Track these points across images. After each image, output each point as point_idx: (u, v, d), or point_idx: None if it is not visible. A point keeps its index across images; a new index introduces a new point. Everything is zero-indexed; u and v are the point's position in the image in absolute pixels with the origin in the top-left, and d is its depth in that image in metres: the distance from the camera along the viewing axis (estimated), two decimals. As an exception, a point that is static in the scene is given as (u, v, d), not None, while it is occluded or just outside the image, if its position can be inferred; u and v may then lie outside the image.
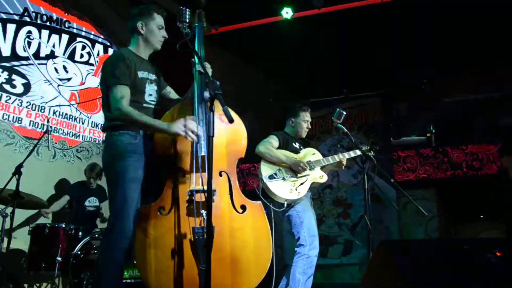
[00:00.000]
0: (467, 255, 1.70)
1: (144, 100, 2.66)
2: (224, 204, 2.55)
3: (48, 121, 5.22)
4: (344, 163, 3.91)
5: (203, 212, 2.38)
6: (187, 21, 2.43)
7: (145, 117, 2.50)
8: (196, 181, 2.46)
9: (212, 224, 2.37)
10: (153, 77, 2.74)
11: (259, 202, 2.66)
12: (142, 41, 2.74)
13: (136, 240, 2.41)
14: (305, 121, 3.96)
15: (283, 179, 3.60)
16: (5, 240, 4.02)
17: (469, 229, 6.15)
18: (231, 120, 1.98)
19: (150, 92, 2.70)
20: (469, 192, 5.89)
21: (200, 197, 2.44)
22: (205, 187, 2.31)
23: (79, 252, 4.06)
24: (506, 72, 6.27)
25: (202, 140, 2.49)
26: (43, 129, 5.13)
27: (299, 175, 3.65)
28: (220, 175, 2.58)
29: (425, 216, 3.46)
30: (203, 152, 2.48)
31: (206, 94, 2.03)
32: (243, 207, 2.57)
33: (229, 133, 2.70)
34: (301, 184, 3.64)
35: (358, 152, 3.82)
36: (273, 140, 3.76)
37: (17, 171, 3.91)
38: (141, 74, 2.65)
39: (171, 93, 2.93)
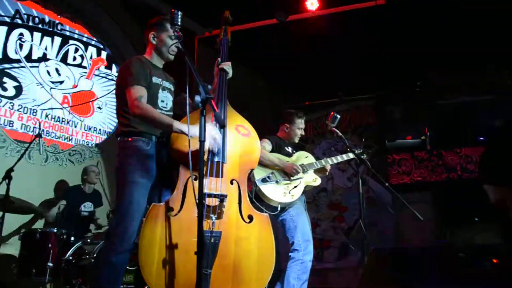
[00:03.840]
0: (462, 262, 1.67)
1: (157, 106, 2.71)
2: (232, 212, 2.57)
3: (39, 125, 5.16)
4: (328, 168, 3.88)
5: (213, 216, 2.43)
6: (179, 24, 2.43)
7: (164, 116, 2.57)
8: (209, 185, 2.50)
9: (220, 229, 2.43)
10: (166, 84, 2.82)
11: (267, 214, 2.69)
12: (154, 52, 2.82)
13: (143, 238, 2.41)
14: (299, 128, 3.96)
15: (276, 182, 3.57)
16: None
17: (464, 232, 6.13)
18: (222, 125, 1.98)
19: (163, 99, 2.76)
20: (464, 195, 5.87)
21: (211, 201, 2.48)
22: (218, 192, 2.49)
23: (70, 258, 4.00)
24: (500, 75, 6.28)
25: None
26: (34, 132, 5.06)
27: (292, 178, 3.62)
28: (231, 183, 2.63)
29: (420, 220, 3.43)
30: (217, 158, 2.57)
31: (197, 98, 2.02)
32: (250, 217, 2.60)
33: (244, 144, 2.80)
34: (295, 187, 3.61)
35: (351, 155, 3.81)
36: (266, 144, 3.74)
37: (7, 176, 3.85)
38: (155, 79, 2.72)
39: (188, 101, 2.95)
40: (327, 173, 3.93)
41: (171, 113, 2.82)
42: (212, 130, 2.49)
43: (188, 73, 2.19)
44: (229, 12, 3.24)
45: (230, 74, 2.96)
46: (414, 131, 6.79)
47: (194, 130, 2.33)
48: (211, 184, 2.51)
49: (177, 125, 2.49)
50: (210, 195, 2.48)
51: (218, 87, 2.84)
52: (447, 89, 6.92)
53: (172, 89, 2.88)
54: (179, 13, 2.40)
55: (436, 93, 6.93)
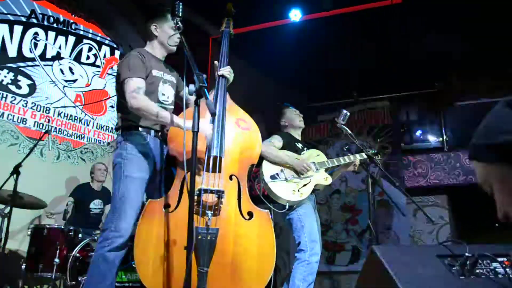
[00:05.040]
0: (470, 262, 1.56)
1: (157, 99, 2.64)
2: (231, 209, 2.49)
3: (49, 121, 5.21)
4: (357, 163, 3.76)
5: (209, 212, 2.34)
6: (181, 15, 2.38)
7: (162, 110, 2.49)
8: (206, 181, 2.42)
9: (217, 226, 2.35)
10: (168, 77, 2.75)
11: (267, 210, 2.61)
12: (157, 43, 2.76)
13: (139, 234, 2.36)
14: (293, 113, 3.91)
15: (286, 179, 3.48)
16: (5, 240, 3.97)
17: (483, 238, 5.92)
18: (213, 113, 1.93)
19: (164, 92, 2.69)
20: (482, 198, 5.67)
21: (207, 197, 2.41)
22: (215, 188, 2.40)
23: (77, 254, 4.00)
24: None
25: (215, 141, 2.50)
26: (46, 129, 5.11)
27: (302, 176, 3.52)
28: (231, 178, 2.55)
29: (432, 222, 3.30)
30: (214, 152, 2.49)
31: (192, 87, 1.97)
32: (250, 214, 2.52)
33: (244, 138, 2.71)
34: (304, 185, 3.51)
35: (364, 155, 3.68)
36: (276, 140, 3.65)
37: (16, 171, 3.87)
38: (155, 72, 2.66)
39: (185, 95, 2.88)
40: (356, 168, 3.80)
41: (172, 106, 2.75)
42: (204, 124, 2.41)
43: (186, 64, 2.14)
44: (232, 4, 3.15)
45: (231, 80, 2.85)
46: (431, 133, 6.63)
47: (190, 124, 2.26)
48: (208, 180, 2.43)
49: (175, 119, 2.43)
50: (206, 191, 2.40)
51: (217, 94, 2.73)
52: (466, 90, 6.74)
53: (175, 81, 2.81)
54: (180, 4, 2.35)
55: (454, 94, 6.76)
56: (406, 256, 1.44)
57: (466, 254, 1.57)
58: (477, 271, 1.46)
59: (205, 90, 1.95)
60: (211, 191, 2.41)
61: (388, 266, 1.37)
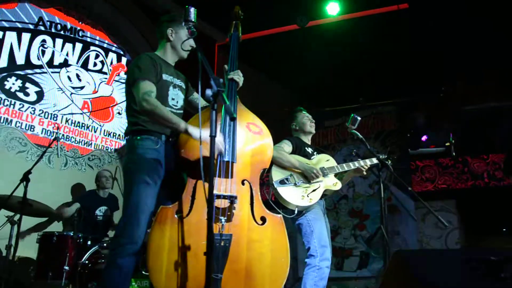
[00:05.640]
0: (493, 266, 1.54)
1: (167, 104, 2.61)
2: (244, 214, 2.46)
3: (58, 128, 5.21)
4: (365, 167, 3.72)
5: (222, 218, 2.32)
6: (193, 20, 2.37)
7: (173, 115, 2.46)
8: (218, 187, 2.40)
9: (230, 232, 2.33)
10: (177, 82, 2.73)
11: (280, 215, 2.58)
12: (170, 48, 2.75)
13: (151, 241, 2.33)
14: (305, 118, 3.89)
15: (295, 184, 3.46)
16: (15, 247, 3.96)
17: (491, 243, 5.88)
18: (232, 118, 1.91)
19: (173, 96, 2.67)
20: (490, 203, 5.64)
21: (220, 203, 2.38)
22: (228, 193, 2.37)
23: (87, 261, 3.98)
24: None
25: (226, 145, 2.48)
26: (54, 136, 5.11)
27: (311, 181, 3.50)
28: (243, 183, 2.52)
29: (445, 227, 3.26)
30: (226, 157, 2.46)
31: (208, 92, 1.95)
32: (263, 219, 2.49)
33: (256, 142, 2.68)
34: (314, 190, 3.49)
35: (375, 160, 3.65)
36: (286, 145, 3.64)
37: (25, 178, 3.87)
38: (165, 76, 2.63)
39: (200, 100, 2.87)
40: (364, 173, 3.76)
41: (182, 111, 2.73)
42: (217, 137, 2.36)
43: (200, 70, 2.12)
44: (239, 7, 3.13)
45: (241, 84, 2.83)
46: (438, 138, 6.61)
47: (203, 134, 2.23)
48: (220, 185, 2.40)
49: (187, 127, 2.40)
50: (219, 197, 2.37)
51: (228, 98, 2.69)
52: (474, 94, 6.73)
53: (184, 86, 2.79)
54: (193, 10, 2.34)
55: (461, 99, 6.75)
56: (430, 260, 1.42)
57: (491, 258, 1.55)
58: (502, 275, 1.44)
59: (222, 94, 1.93)
60: (224, 197, 2.39)
61: (413, 270, 1.35)
